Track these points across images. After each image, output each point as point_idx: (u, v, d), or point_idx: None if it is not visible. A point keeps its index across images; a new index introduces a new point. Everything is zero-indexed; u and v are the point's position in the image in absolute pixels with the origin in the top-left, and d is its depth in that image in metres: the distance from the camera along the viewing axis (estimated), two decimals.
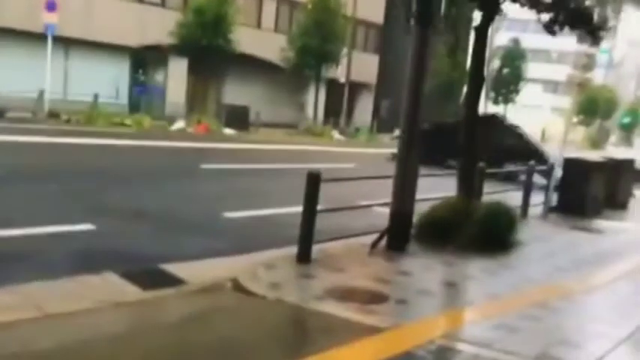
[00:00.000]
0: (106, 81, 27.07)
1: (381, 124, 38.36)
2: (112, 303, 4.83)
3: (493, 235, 7.75)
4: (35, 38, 23.29)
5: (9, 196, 8.78)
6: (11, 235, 6.54)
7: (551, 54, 69.66)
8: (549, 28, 8.65)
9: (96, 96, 24.06)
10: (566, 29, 8.67)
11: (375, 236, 7.25)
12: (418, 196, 7.51)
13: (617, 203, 13.17)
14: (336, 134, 32.89)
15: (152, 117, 24.89)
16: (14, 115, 21.02)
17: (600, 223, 11.21)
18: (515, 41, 49.88)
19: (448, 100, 41.43)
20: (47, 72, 22.60)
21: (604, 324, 5.37)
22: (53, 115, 22.22)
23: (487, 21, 8.49)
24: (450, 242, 7.58)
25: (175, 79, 30.13)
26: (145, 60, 29.47)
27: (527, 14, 8.81)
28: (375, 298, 5.40)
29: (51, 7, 22.79)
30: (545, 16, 8.61)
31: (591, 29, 8.74)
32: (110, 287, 5.24)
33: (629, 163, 15.17)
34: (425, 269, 6.68)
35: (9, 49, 24.26)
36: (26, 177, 10.48)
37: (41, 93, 22.50)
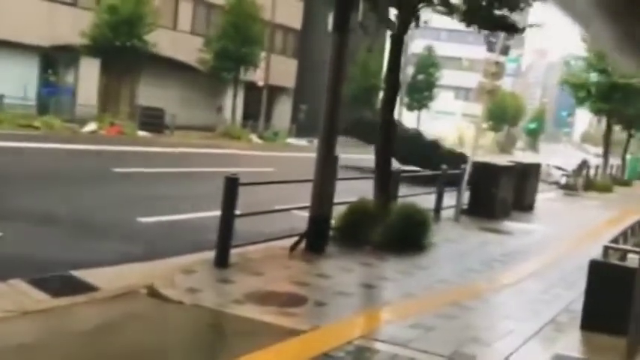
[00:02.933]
0: (13, 81, 25.82)
1: (300, 128, 38.52)
2: (20, 311, 4.62)
3: (408, 237, 7.94)
4: None
5: None
6: None
7: (462, 62, 72.08)
8: (468, 25, 8.97)
9: (1, 96, 22.91)
10: (478, 37, 9.03)
11: (294, 240, 7.26)
12: (337, 199, 7.59)
13: (524, 206, 13.76)
14: (254, 138, 32.74)
15: (62, 119, 23.94)
16: None
17: (508, 224, 11.67)
18: (429, 49, 51.32)
19: (365, 106, 42.09)
20: None
21: (514, 321, 5.60)
22: None
23: (403, 28, 8.70)
24: (367, 244, 7.70)
25: (87, 79, 29.14)
26: (55, 60, 28.36)
27: (441, 22, 9.10)
28: (293, 301, 5.41)
29: None
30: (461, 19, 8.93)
31: (505, 29, 9.15)
32: (18, 295, 5.01)
33: (535, 167, 15.91)
34: (343, 271, 6.76)
35: None
36: None
37: None
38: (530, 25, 9.29)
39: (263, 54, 33.70)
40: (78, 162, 15.68)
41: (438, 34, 61.34)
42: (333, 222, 7.79)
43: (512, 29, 9.17)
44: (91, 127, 24.15)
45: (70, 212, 8.74)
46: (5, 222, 7.47)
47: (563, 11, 1.58)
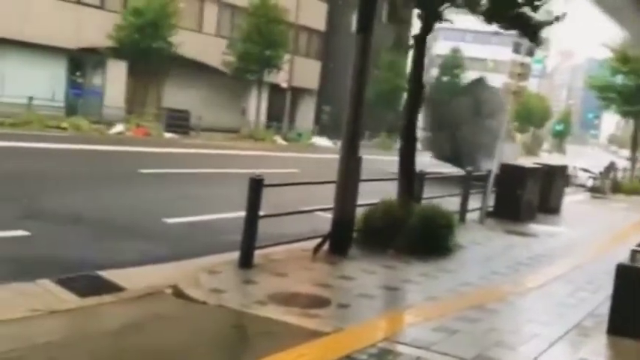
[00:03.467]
0: (42, 83, 26.27)
1: (323, 129, 38.56)
2: (48, 311, 4.69)
3: (432, 239, 7.90)
4: None
5: None
6: None
7: (487, 63, 71.56)
8: (489, 22, 8.88)
9: (30, 98, 23.31)
10: (504, 39, 8.95)
11: (317, 241, 7.28)
12: (360, 200, 7.59)
13: (550, 208, 13.62)
14: (278, 139, 32.87)
15: (90, 120, 24.28)
16: None
17: (534, 227, 11.56)
18: (455, 50, 51.05)
19: (389, 108, 42.05)
20: None
21: (539, 325, 5.54)
22: None
23: (426, 29, 8.66)
24: (390, 246, 7.68)
25: (114, 81, 29.52)
26: (82, 62, 28.79)
27: (466, 24, 9.05)
28: (317, 303, 5.42)
29: None
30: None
31: (529, 30, 9.03)
32: (46, 295, 5.09)
33: (562, 169, 15.73)
34: (366, 273, 6.75)
35: None
36: None
37: None
38: (555, 20, 9.08)
39: (287, 56, 33.81)
40: (105, 163, 15.88)
41: (463, 35, 61.01)
42: (356, 224, 7.78)
43: (536, 27, 9.05)
44: (118, 128, 24.47)
45: (96, 212, 8.85)
46: (33, 222, 7.59)
47: (598, 6, 1.56)
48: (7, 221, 7.45)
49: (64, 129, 22.17)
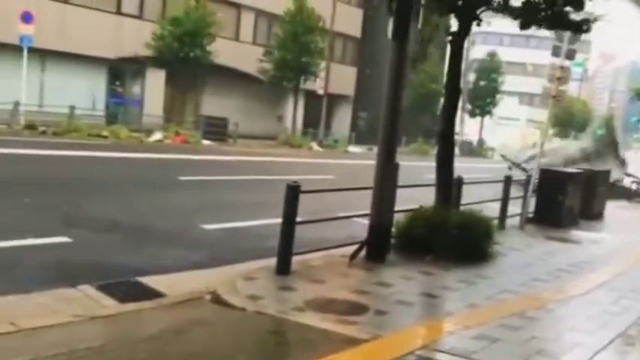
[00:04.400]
0: (82, 92, 26.84)
1: (360, 135, 38.53)
2: (89, 316, 4.76)
3: (471, 246, 7.80)
4: (11, 50, 23.04)
5: None
6: None
7: (526, 67, 70.65)
8: (525, 28, 8.75)
9: (72, 107, 23.82)
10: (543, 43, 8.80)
11: (354, 247, 7.25)
12: (398, 207, 7.54)
13: (592, 214, 13.34)
14: (314, 146, 32.94)
15: (129, 128, 24.69)
16: None
17: (576, 233, 11.33)
18: (492, 54, 50.47)
19: (425, 113, 41.82)
20: (23, 83, 22.33)
21: (582, 333, 5.42)
22: (29, 126, 21.93)
23: (462, 33, 8.58)
24: (429, 253, 7.61)
25: (153, 90, 29.98)
26: (122, 71, 29.31)
27: (503, 27, 8.91)
28: (354, 309, 5.39)
29: (27, 18, 22.56)
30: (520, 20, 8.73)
31: (570, 27, 8.86)
32: (87, 300, 5.18)
33: (604, 174, 15.39)
34: (404, 280, 6.69)
35: None
36: (0, 189, 10.32)
37: (16, 104, 22.23)
38: (594, 20, 8.87)
39: (323, 63, 33.90)
40: (144, 170, 16.11)
41: (500, 39, 60.41)
42: (394, 230, 7.73)
43: (575, 27, 8.87)
44: (157, 136, 24.82)
45: (136, 219, 8.98)
46: (74, 228, 7.73)
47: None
48: (49, 228, 7.60)
49: (105, 137, 22.59)
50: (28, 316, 4.56)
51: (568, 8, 8.56)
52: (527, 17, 8.60)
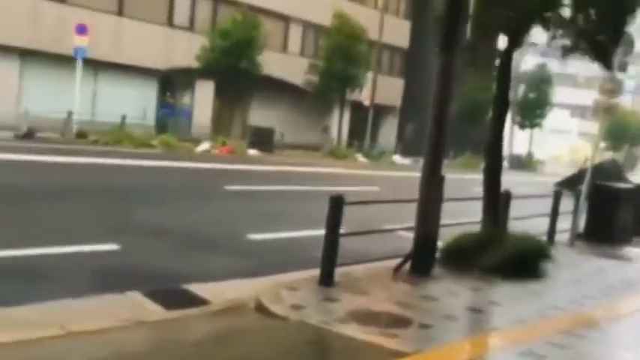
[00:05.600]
0: (133, 102, 27.46)
1: (406, 147, 38.33)
2: (135, 322, 4.85)
3: (518, 261, 7.65)
4: (65, 60, 23.76)
5: (36, 215, 8.90)
6: (37, 253, 6.62)
7: (577, 79, 69.22)
8: (567, 55, 8.62)
9: (123, 117, 24.39)
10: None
11: (399, 260, 7.20)
12: (444, 220, 7.46)
13: None
14: (359, 157, 32.91)
15: (178, 138, 25.14)
16: (43, 135, 21.38)
17: (629, 250, 11.01)
18: (542, 66, 49.59)
19: (473, 125, 41.32)
20: (76, 93, 23.00)
21: (632, 353, 5.26)
22: (81, 135, 22.57)
23: (511, 46, 8.47)
24: (475, 267, 7.50)
25: (202, 101, 30.48)
26: (172, 82, 29.88)
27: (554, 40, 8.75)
28: (398, 322, 5.34)
29: (81, 30, 23.26)
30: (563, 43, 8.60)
31: (610, 59, 8.70)
32: (134, 306, 5.27)
33: None
34: (449, 294, 6.61)
35: (40, 71, 24.78)
36: (52, 196, 10.62)
37: (70, 114, 22.89)
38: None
39: (369, 74, 33.92)
40: (192, 179, 16.36)
41: (551, 50, 59.36)
42: (439, 243, 7.65)
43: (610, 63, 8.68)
44: (205, 146, 25.19)
45: (183, 227, 9.11)
46: (124, 235, 7.89)
47: None
48: (98, 235, 7.78)
49: (154, 147, 23.04)
50: (77, 321, 4.66)
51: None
52: (578, 38, 8.46)
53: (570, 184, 19.08)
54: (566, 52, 8.62)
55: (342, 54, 31.75)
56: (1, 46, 23.30)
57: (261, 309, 5.42)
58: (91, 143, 21.81)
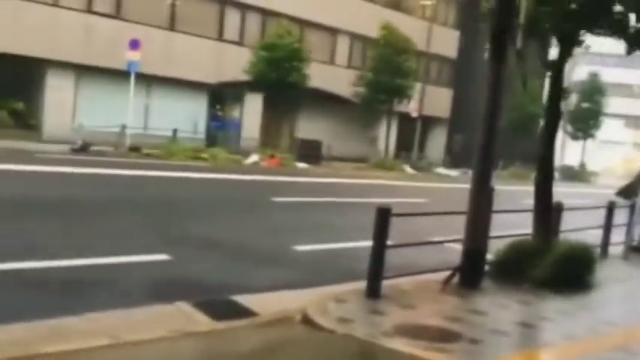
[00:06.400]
0: (184, 116, 27.96)
1: (454, 158, 37.94)
2: (184, 332, 4.92)
3: (570, 275, 7.47)
4: (118, 75, 24.39)
5: (91, 226, 9.13)
6: (94, 263, 6.80)
7: (633, 88, 67.37)
8: (631, 52, 8.38)
9: (175, 130, 24.84)
10: None
11: (447, 273, 7.11)
12: (493, 232, 7.35)
13: None
14: (407, 168, 32.72)
15: (228, 151, 25.49)
16: (97, 148, 21.97)
17: None
18: (594, 75, 48.51)
19: (523, 135, 40.62)
20: (129, 107, 23.58)
21: None
22: (134, 149, 23.09)
23: (564, 54, 8.32)
24: (525, 281, 7.35)
25: (250, 114, 30.83)
26: (221, 96, 30.31)
27: (608, 48, 8.56)
28: (446, 337, 5.28)
29: (134, 45, 23.86)
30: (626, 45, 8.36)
31: None
32: (182, 317, 5.35)
33: None
34: (499, 308, 6.50)
35: (94, 85, 25.49)
36: (106, 209, 10.89)
37: (123, 128, 23.46)
38: None
39: (417, 84, 33.78)
40: (240, 191, 16.54)
41: (604, 59, 58.02)
42: (489, 256, 7.53)
43: None
44: (253, 158, 25.46)
45: (231, 239, 9.21)
46: (175, 247, 8.02)
47: None
48: (150, 245, 7.93)
49: (205, 159, 23.41)
50: (127, 330, 4.76)
51: None
52: (635, 41, 8.23)
53: (630, 191, 18.51)
54: (629, 52, 8.39)
55: (389, 65, 31.71)
56: (56, 61, 24.06)
57: (307, 321, 5.43)
58: (144, 156, 22.30)
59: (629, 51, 8.39)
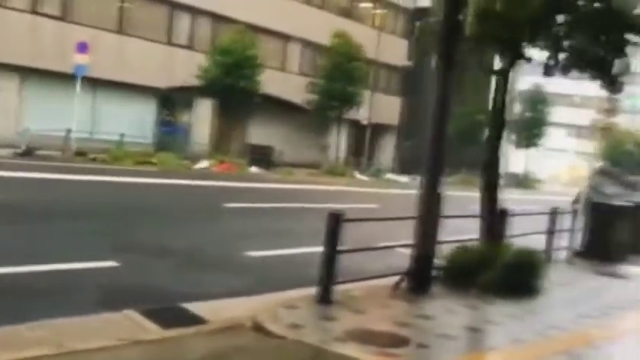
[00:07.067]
0: (133, 120, 27.51)
1: (404, 165, 38.41)
2: (133, 341, 4.83)
3: (517, 279, 7.65)
4: (65, 78, 23.81)
5: (34, 232, 8.89)
6: (38, 270, 6.62)
7: (574, 98, 69.51)
8: (567, 71, 8.68)
9: (122, 135, 24.43)
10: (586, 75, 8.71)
11: (397, 278, 7.19)
12: (441, 238, 7.47)
13: None
14: (357, 175, 32.97)
15: (177, 156, 25.18)
16: (43, 153, 21.42)
17: (626, 268, 11.00)
18: (537, 86, 49.89)
19: (471, 143, 41.39)
20: (75, 111, 23.04)
21: None
22: (80, 153, 22.59)
23: (508, 65, 8.54)
24: (473, 286, 7.49)
25: (201, 119, 30.56)
26: (171, 100, 29.96)
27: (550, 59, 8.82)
28: (395, 342, 5.33)
29: (82, 48, 23.36)
30: (564, 61, 8.65)
31: (610, 78, 8.74)
32: (131, 325, 5.26)
33: None
34: (447, 312, 6.60)
35: (40, 88, 24.84)
36: (51, 214, 10.62)
37: (68, 132, 22.93)
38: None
39: (367, 92, 34.12)
40: (190, 197, 16.37)
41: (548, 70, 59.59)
42: (437, 261, 7.65)
43: (615, 77, 8.71)
44: (203, 164, 25.24)
45: (181, 245, 9.10)
46: (123, 253, 7.88)
47: None
48: (97, 252, 7.76)
49: (154, 164, 23.08)
50: (73, 339, 4.65)
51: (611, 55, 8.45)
52: (570, 58, 8.53)
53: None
54: (566, 69, 8.67)
55: (340, 73, 31.95)
56: (0, 63, 23.37)
57: (258, 328, 5.41)
58: (90, 161, 21.84)
59: (547, 72, 8.69)
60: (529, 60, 8.81)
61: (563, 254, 10.92)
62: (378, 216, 9.22)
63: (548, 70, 8.71)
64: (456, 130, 37.63)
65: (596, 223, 11.45)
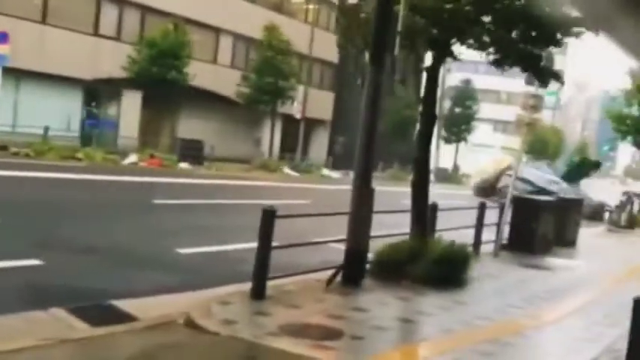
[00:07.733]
0: (57, 114, 26.56)
1: (337, 160, 38.65)
2: (59, 340, 4.67)
3: (446, 272, 7.83)
4: None
5: None
6: None
7: (500, 95, 71.70)
8: (498, 66, 8.91)
9: (46, 129, 23.56)
10: (516, 69, 8.96)
11: (330, 272, 7.23)
12: (374, 232, 7.56)
13: (565, 241, 13.46)
14: (290, 170, 32.96)
15: (104, 151, 24.47)
16: None
17: (550, 260, 11.43)
18: (467, 82, 51.18)
19: (401, 138, 42.14)
20: None
21: (556, 359, 5.45)
22: (1, 147, 21.65)
23: (438, 62, 8.71)
24: (405, 278, 7.62)
25: (129, 112, 29.79)
26: (98, 93, 29.11)
27: (479, 56, 9.04)
28: (329, 335, 5.36)
29: (2, 38, 22.36)
30: (494, 56, 8.88)
31: (539, 72, 9.03)
32: (58, 324, 5.09)
33: (577, 202, 15.60)
34: (380, 305, 6.69)
35: None
36: None
37: None
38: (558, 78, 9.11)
39: (300, 87, 34.12)
40: (118, 193, 15.96)
41: (475, 67, 61.30)
42: (370, 255, 7.74)
43: (546, 72, 9.02)
44: (132, 159, 24.63)
45: (110, 242, 8.87)
46: (47, 251, 7.60)
47: (614, 42, 1.57)
48: (21, 250, 7.46)
49: (79, 159, 22.36)
50: None
51: (539, 49, 8.74)
52: (500, 55, 8.76)
53: (485, 189, 19.91)
54: (497, 63, 8.89)
55: (271, 67, 31.82)
56: None
57: (191, 324, 5.33)
58: (12, 156, 20.96)
59: (495, 64, 8.91)
60: (456, 58, 9.02)
61: (490, 247, 11.24)
62: (311, 212, 9.24)
63: (494, 64, 8.89)
64: (388, 126, 38.26)
65: (522, 218, 11.84)
